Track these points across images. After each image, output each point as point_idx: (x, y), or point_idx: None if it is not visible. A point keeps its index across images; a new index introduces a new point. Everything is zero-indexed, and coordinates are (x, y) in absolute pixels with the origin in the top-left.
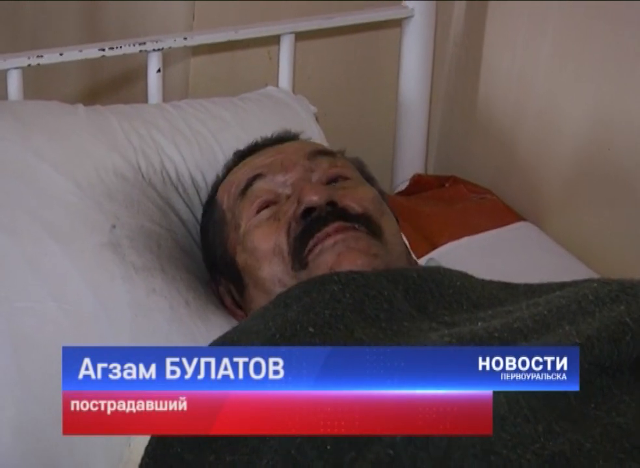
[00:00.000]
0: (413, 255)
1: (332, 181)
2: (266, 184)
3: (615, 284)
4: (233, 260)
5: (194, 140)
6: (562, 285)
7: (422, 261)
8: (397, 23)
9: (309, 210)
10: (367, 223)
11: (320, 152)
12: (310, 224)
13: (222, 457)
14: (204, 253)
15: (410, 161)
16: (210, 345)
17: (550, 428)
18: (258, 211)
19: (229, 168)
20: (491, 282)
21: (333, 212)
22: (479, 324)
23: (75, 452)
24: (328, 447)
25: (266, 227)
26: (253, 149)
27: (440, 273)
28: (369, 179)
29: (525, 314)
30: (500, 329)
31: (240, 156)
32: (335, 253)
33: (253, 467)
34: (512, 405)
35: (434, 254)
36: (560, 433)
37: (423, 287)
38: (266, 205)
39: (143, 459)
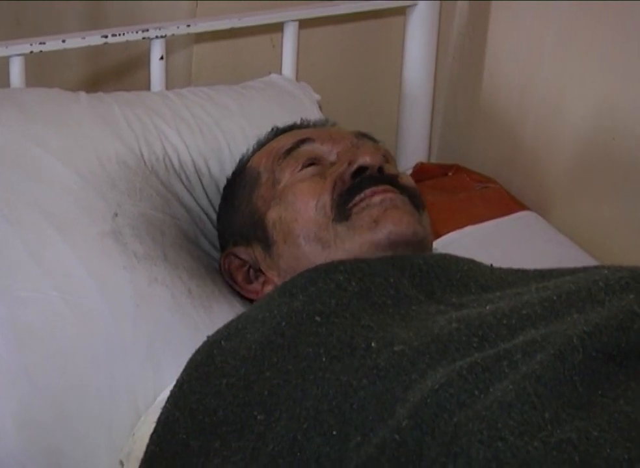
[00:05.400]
0: None
1: None
2: (313, 148)
3: (626, 271)
4: (263, 218)
5: (196, 128)
6: (572, 271)
7: None
8: (401, 11)
9: (361, 170)
10: (413, 197)
11: (366, 135)
12: (359, 182)
13: (228, 444)
14: (221, 223)
15: (413, 149)
16: (214, 334)
17: (557, 415)
18: (303, 168)
19: (262, 144)
20: (500, 268)
21: (384, 177)
22: (487, 306)
23: (78, 444)
24: (334, 433)
25: (311, 182)
26: (291, 127)
27: (446, 259)
28: None
29: (534, 299)
30: (509, 316)
31: (277, 133)
32: (383, 208)
33: (259, 453)
34: (519, 392)
35: (436, 244)
36: (568, 420)
37: (430, 273)
38: (312, 163)
39: (148, 446)
